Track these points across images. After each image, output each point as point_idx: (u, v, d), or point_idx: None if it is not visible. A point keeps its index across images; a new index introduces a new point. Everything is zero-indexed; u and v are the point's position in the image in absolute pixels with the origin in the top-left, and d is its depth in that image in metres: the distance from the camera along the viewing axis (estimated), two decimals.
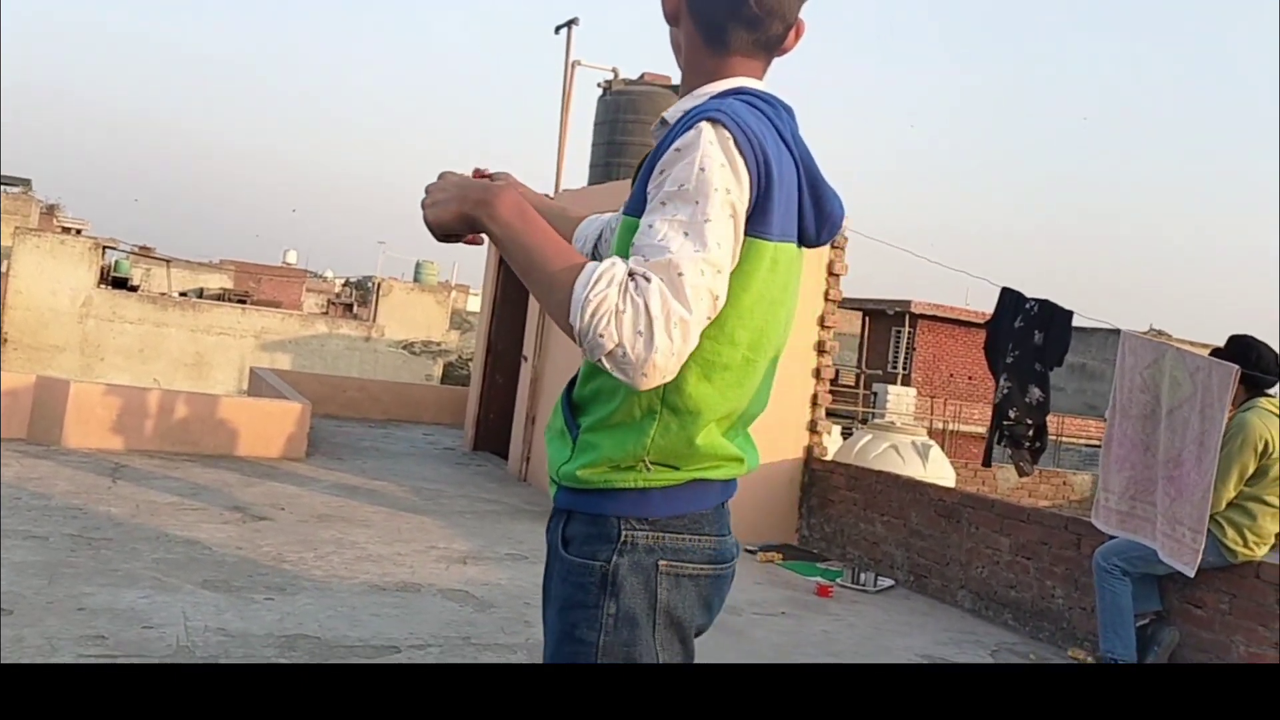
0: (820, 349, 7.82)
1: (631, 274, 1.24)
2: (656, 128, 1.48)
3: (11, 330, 22.40)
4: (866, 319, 30.03)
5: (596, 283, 1.22)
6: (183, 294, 28.52)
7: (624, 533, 1.39)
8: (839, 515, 7.10)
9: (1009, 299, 8.20)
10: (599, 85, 10.40)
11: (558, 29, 10.80)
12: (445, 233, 1.42)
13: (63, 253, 23.50)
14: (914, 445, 7.99)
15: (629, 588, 1.38)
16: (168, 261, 34.07)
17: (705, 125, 1.30)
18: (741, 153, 1.30)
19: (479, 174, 1.73)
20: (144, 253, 34.59)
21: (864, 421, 20.64)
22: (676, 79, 6.84)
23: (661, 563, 1.40)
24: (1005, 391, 7.94)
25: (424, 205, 1.42)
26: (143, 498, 6.26)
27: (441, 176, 1.46)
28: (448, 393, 13.32)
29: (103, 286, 24.31)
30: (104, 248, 26.32)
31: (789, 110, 1.45)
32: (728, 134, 1.30)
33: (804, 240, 1.44)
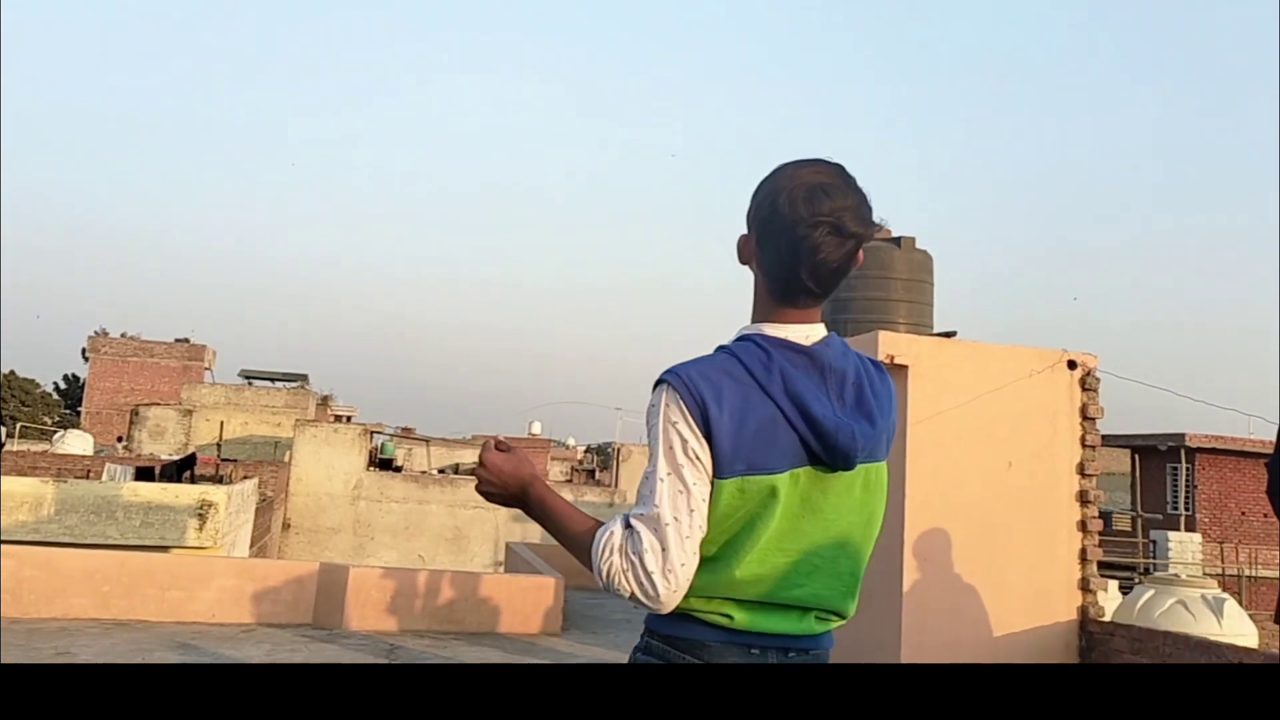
0: (1083, 499, 7.34)
1: (630, 526, 1.63)
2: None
3: (294, 516, 24.44)
4: (1136, 457, 27.77)
5: (603, 551, 1.63)
6: (441, 471, 30.31)
7: (645, 638, 1.72)
8: None
9: None
10: None
11: None
12: (493, 500, 1.85)
13: (336, 440, 25.63)
14: (1204, 600, 7.26)
15: None
16: (427, 441, 36.45)
17: (663, 389, 1.65)
18: (686, 407, 1.62)
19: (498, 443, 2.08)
20: (406, 434, 37.21)
21: (1145, 573, 18.91)
22: (896, 231, 6.73)
23: None
24: None
25: (479, 489, 1.83)
26: None
27: (483, 463, 1.80)
28: None
29: (371, 469, 26.21)
30: (371, 432, 28.53)
31: (799, 352, 1.69)
32: (675, 392, 1.63)
33: (819, 462, 1.67)
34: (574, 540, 1.72)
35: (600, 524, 1.70)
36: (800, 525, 1.67)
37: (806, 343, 1.70)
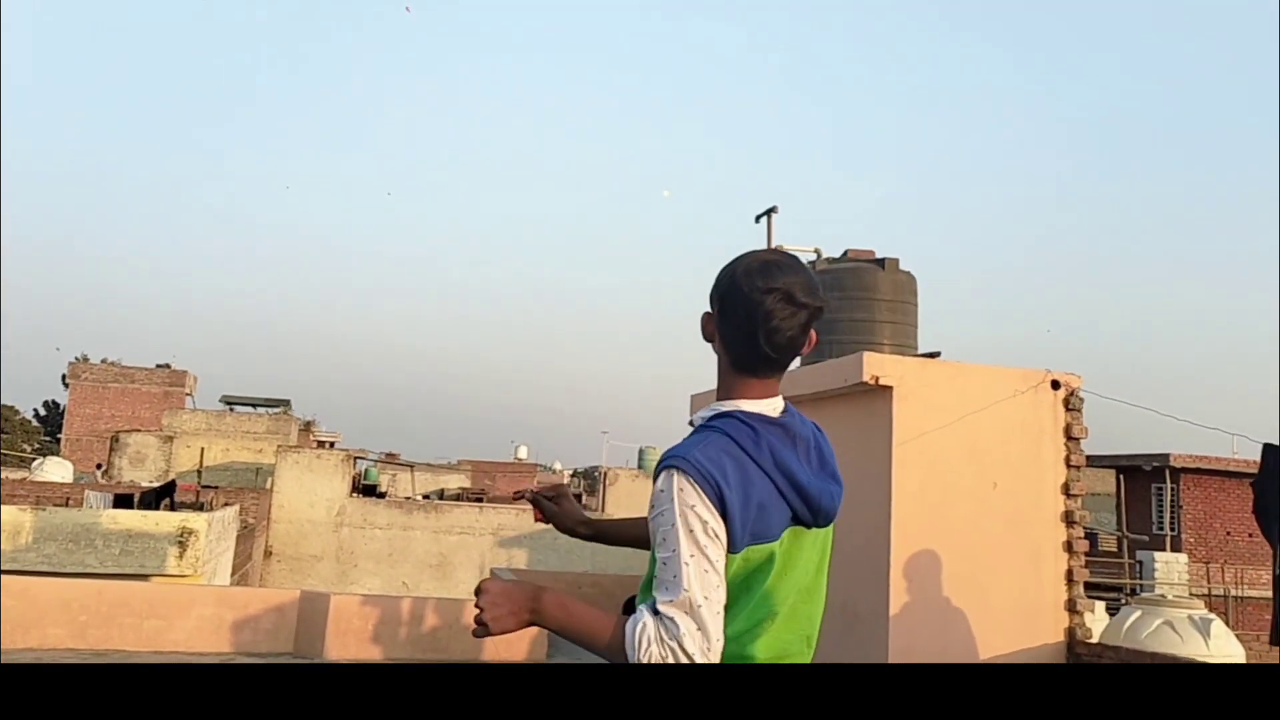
0: (1068, 519, 7.32)
1: (659, 614, 1.67)
2: (690, 424, 1.92)
3: (275, 543, 24.22)
4: (1121, 477, 27.84)
5: (641, 644, 1.66)
6: (425, 496, 30.13)
7: None
8: None
9: (1274, 457, 7.44)
10: None
11: (758, 218, 11.13)
12: (504, 633, 1.82)
13: (319, 466, 25.43)
14: (1191, 620, 7.24)
15: None
16: (411, 466, 36.28)
17: (674, 474, 1.73)
18: (702, 490, 1.70)
19: (522, 495, 2.21)
20: (390, 460, 37.04)
21: (1132, 594, 18.94)
22: (880, 252, 6.81)
23: None
24: None
25: (481, 620, 1.78)
26: None
27: (483, 590, 1.81)
28: None
29: (354, 495, 26.02)
30: (355, 458, 28.35)
31: (779, 426, 1.83)
32: (688, 479, 1.71)
33: (803, 523, 1.82)
34: (601, 639, 1.74)
35: (619, 618, 1.75)
36: (780, 582, 1.80)
37: (776, 415, 1.85)
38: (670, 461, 1.75)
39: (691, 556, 1.68)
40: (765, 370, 1.86)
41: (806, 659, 1.87)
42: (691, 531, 1.69)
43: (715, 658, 1.66)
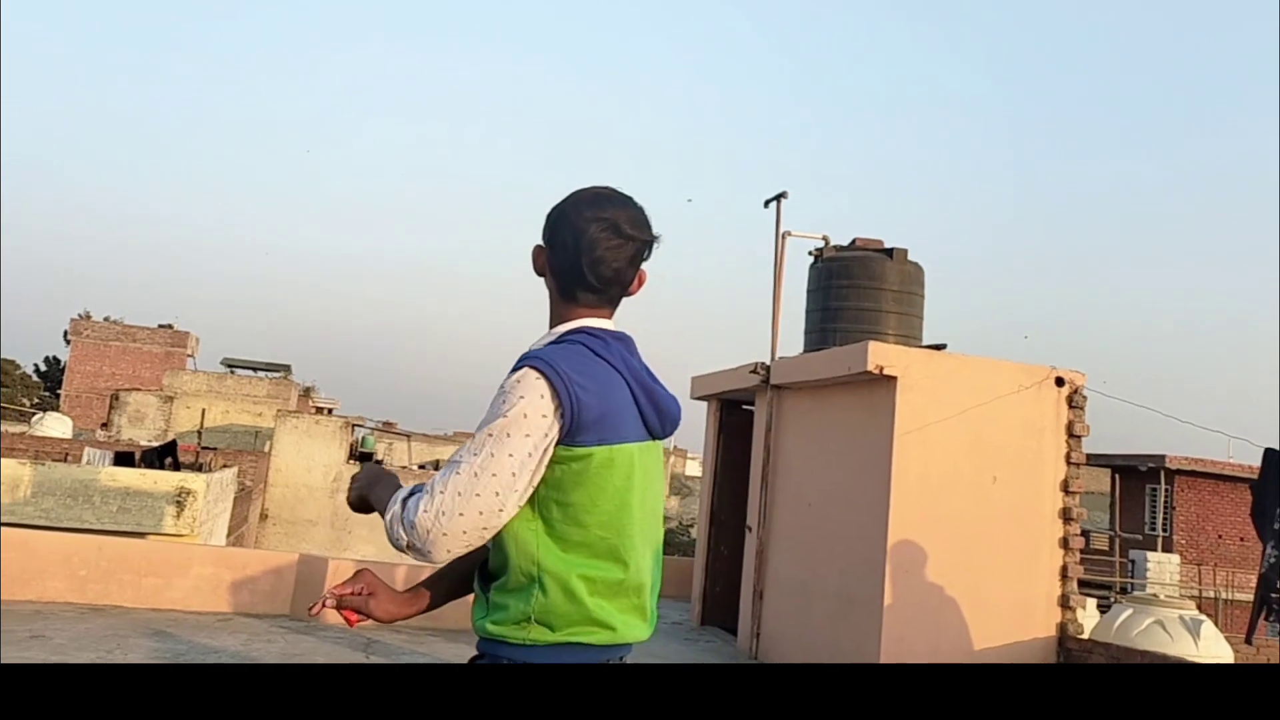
0: (1066, 516, 7.37)
1: (433, 484, 1.69)
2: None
3: (271, 506, 24.29)
4: (1116, 477, 27.89)
5: (393, 504, 1.72)
6: (421, 466, 30.16)
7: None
8: None
9: (1275, 460, 7.48)
10: (810, 254, 10.52)
11: (767, 203, 11.07)
12: (356, 509, 1.91)
13: (317, 431, 25.47)
14: (1182, 620, 7.29)
15: None
16: (408, 436, 36.30)
17: (529, 370, 1.72)
18: (555, 390, 1.70)
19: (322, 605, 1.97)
20: (387, 428, 37.03)
21: (1123, 592, 19.04)
22: (888, 242, 6.89)
23: None
24: (1273, 560, 7.17)
25: (349, 490, 1.91)
26: None
27: (363, 473, 1.91)
28: (670, 562, 13.29)
29: (351, 462, 26.06)
30: (352, 425, 28.37)
31: (622, 339, 1.87)
32: (543, 377, 1.71)
33: (653, 434, 1.86)
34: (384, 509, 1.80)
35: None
36: (643, 494, 1.82)
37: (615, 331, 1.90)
38: (526, 360, 1.76)
39: (501, 444, 1.68)
40: (592, 301, 1.87)
41: (659, 584, 1.89)
42: (520, 423, 1.69)
43: (439, 535, 1.65)
